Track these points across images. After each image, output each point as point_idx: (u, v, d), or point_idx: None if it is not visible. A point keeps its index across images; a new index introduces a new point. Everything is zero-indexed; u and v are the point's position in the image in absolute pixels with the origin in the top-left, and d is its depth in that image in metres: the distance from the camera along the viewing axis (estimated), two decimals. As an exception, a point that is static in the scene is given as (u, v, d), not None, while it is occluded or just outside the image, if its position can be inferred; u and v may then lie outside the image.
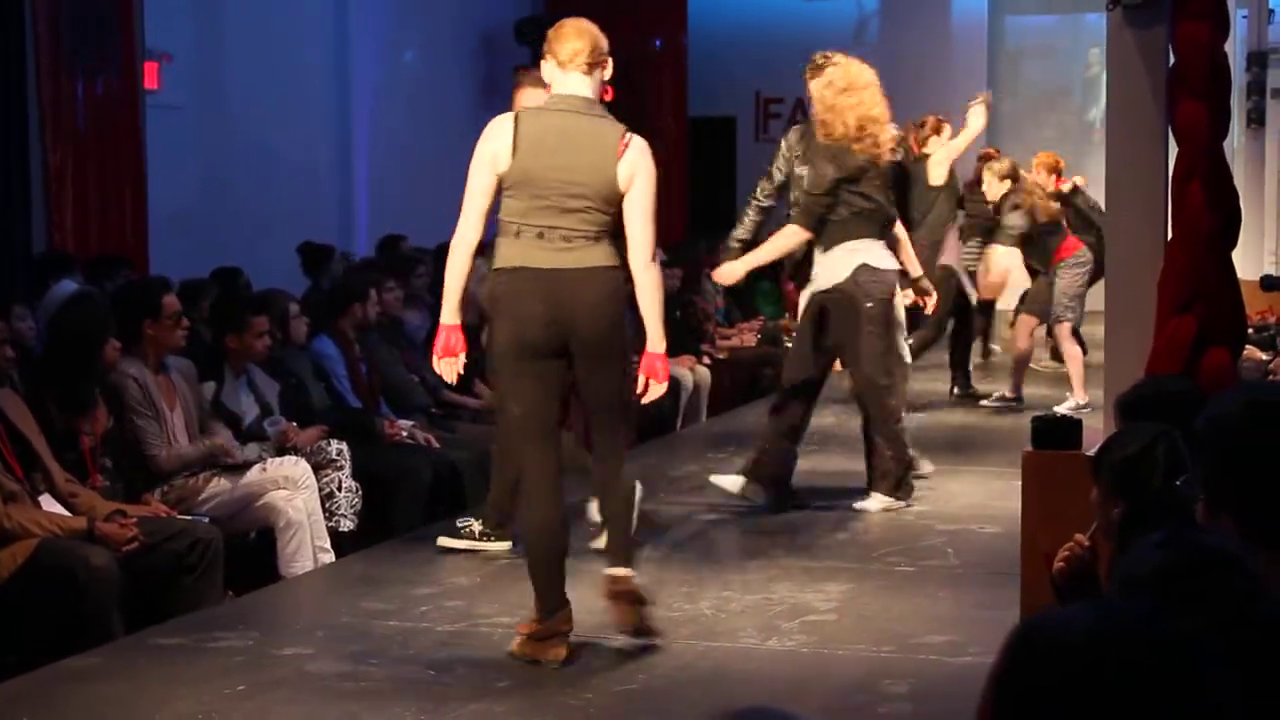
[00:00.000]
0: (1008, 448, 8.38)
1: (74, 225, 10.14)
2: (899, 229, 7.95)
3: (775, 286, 13.22)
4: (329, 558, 6.99)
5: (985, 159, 11.55)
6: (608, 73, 5.35)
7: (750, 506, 7.63)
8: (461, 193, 5.25)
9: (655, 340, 5.31)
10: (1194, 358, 5.30)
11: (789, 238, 7.66)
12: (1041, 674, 1.52)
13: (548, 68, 5.31)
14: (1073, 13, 18.29)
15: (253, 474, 6.97)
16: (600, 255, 5.16)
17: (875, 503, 7.67)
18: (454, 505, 7.73)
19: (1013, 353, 11.19)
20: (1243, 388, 3.60)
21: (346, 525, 7.29)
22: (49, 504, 6.07)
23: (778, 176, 7.76)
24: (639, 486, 6.42)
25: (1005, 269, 11.02)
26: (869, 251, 7.52)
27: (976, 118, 10.69)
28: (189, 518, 6.57)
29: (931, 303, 8.50)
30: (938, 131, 10.70)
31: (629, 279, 5.27)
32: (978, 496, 7.93)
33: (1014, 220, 10.70)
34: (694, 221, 16.06)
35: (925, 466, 8.32)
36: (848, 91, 7.49)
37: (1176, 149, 5.50)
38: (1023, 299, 11.15)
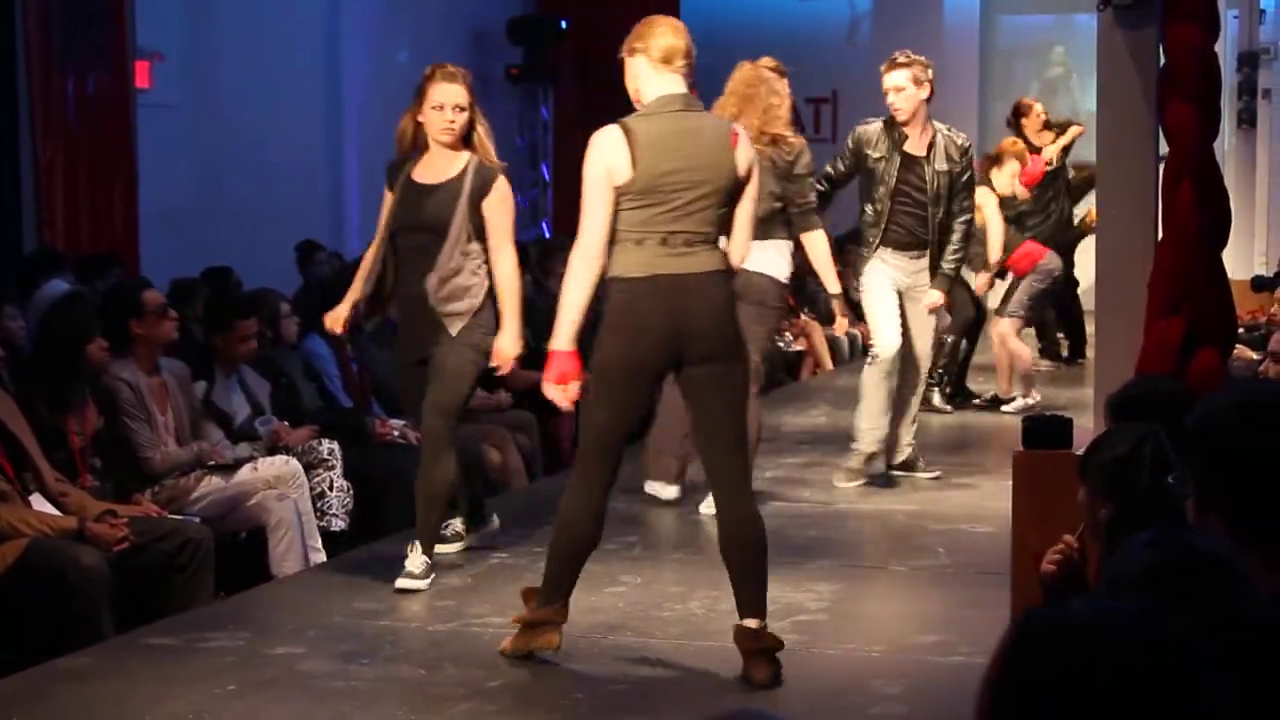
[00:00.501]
0: (1001, 448, 8.39)
1: (65, 223, 10.14)
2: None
3: None
4: (320, 557, 6.99)
5: (987, 159, 11.36)
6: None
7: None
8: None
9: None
10: (1184, 358, 5.31)
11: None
12: (1041, 665, 1.52)
13: (637, 64, 5.17)
14: (1066, 13, 18.32)
15: (244, 474, 6.97)
16: (717, 260, 5.10)
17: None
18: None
19: (1016, 363, 10.94)
20: (1234, 387, 3.60)
21: (338, 525, 7.29)
22: (39, 503, 6.06)
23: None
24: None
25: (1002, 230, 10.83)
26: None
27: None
28: (180, 517, 6.57)
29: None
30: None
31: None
32: (970, 496, 7.93)
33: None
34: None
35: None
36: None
37: (1167, 149, 5.51)
38: (1002, 303, 10.96)
